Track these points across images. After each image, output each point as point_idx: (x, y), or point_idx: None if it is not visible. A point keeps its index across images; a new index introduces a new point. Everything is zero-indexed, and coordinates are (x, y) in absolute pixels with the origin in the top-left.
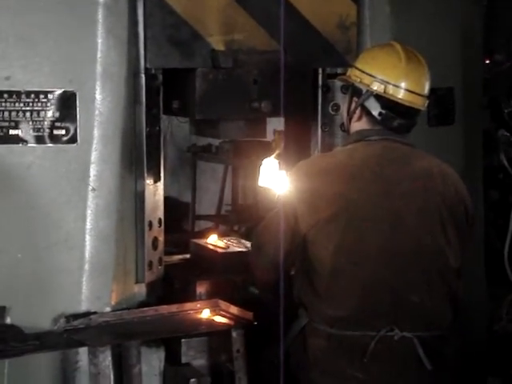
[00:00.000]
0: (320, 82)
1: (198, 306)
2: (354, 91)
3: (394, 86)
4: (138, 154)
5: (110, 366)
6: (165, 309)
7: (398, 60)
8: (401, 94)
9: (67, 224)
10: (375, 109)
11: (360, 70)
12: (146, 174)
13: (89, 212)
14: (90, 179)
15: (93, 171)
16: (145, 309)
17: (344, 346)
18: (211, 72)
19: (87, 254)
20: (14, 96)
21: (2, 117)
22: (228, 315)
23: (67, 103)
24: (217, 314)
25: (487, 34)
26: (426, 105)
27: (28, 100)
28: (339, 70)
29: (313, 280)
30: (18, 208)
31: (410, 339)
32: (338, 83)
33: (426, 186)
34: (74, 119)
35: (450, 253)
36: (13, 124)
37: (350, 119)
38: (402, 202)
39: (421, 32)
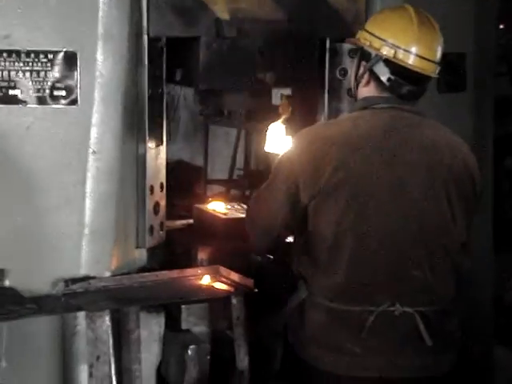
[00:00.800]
0: (327, 45)
1: (199, 272)
2: (362, 55)
3: (405, 50)
4: (140, 116)
5: (109, 331)
6: (165, 274)
7: (409, 23)
8: (411, 60)
9: (67, 187)
10: (384, 74)
11: (370, 32)
12: (147, 138)
13: (89, 175)
14: (91, 142)
15: (93, 134)
16: (145, 274)
17: (343, 321)
18: (215, 41)
19: (87, 218)
20: (14, 55)
21: (1, 77)
22: (228, 282)
23: (68, 63)
24: (217, 281)
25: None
26: (437, 71)
27: (28, 60)
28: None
29: (313, 253)
30: (16, 170)
31: (411, 314)
32: (345, 47)
33: (433, 157)
34: (74, 80)
35: (455, 228)
36: (12, 84)
37: (357, 84)
38: (406, 174)
39: None
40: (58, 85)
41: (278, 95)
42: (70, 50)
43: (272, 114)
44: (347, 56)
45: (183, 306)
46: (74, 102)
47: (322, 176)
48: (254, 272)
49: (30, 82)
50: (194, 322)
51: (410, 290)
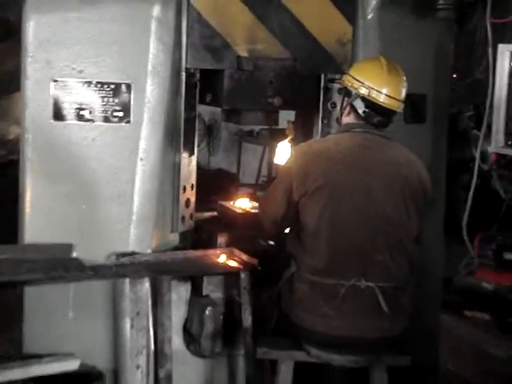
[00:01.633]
0: (322, 85)
1: (218, 252)
2: (346, 93)
3: (377, 91)
4: (177, 133)
5: (148, 294)
6: (192, 253)
7: (381, 71)
8: (381, 98)
9: (120, 185)
10: (360, 108)
11: (352, 76)
12: (182, 149)
13: (137, 176)
14: (139, 151)
15: (141, 145)
16: (177, 252)
17: (321, 290)
18: (236, 73)
19: (134, 209)
20: (86, 85)
21: (76, 101)
22: (239, 260)
23: (125, 92)
24: (231, 259)
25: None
26: (401, 108)
27: (95, 89)
28: (337, 76)
29: (301, 238)
30: (84, 170)
31: (372, 288)
32: (335, 86)
33: (394, 170)
34: (128, 105)
35: (409, 224)
36: (83, 106)
37: (341, 114)
38: (373, 181)
39: (402, 50)
40: (117, 108)
41: (285, 122)
42: (127, 82)
43: (282, 135)
44: (336, 93)
45: (204, 277)
46: (128, 121)
47: (309, 180)
48: (259, 253)
49: (97, 106)
50: (212, 289)
51: (373, 269)
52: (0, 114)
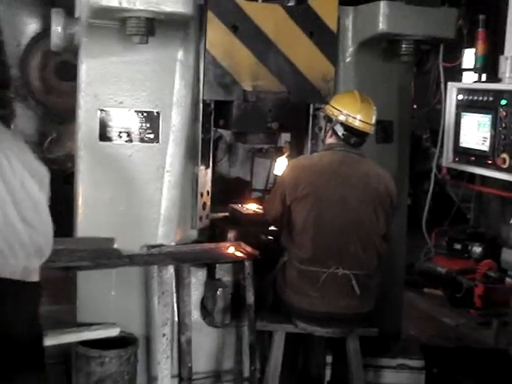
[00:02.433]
0: (311, 112)
1: (227, 245)
2: (328, 119)
3: (353, 117)
4: (196, 151)
5: (172, 277)
6: (207, 245)
7: (355, 101)
8: (357, 123)
9: (151, 191)
10: (340, 131)
11: (332, 106)
12: (200, 163)
13: (164, 185)
14: (166, 165)
15: (168, 160)
16: (195, 244)
17: (307, 276)
18: (243, 103)
19: (162, 211)
20: (125, 113)
21: (117, 125)
22: (244, 251)
23: (155, 119)
24: (238, 251)
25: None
26: (372, 130)
27: (133, 116)
28: (322, 106)
29: (291, 234)
30: (123, 179)
31: (348, 275)
32: (321, 114)
33: (366, 182)
34: (158, 128)
35: (378, 224)
36: (123, 130)
37: (325, 136)
38: (349, 191)
39: (374, 86)
40: (149, 131)
41: (283, 141)
42: (157, 110)
43: (280, 153)
44: (322, 119)
45: (217, 264)
46: (157, 141)
47: (298, 188)
48: (260, 246)
49: (133, 129)
50: (222, 274)
51: (348, 260)
52: (68, 136)
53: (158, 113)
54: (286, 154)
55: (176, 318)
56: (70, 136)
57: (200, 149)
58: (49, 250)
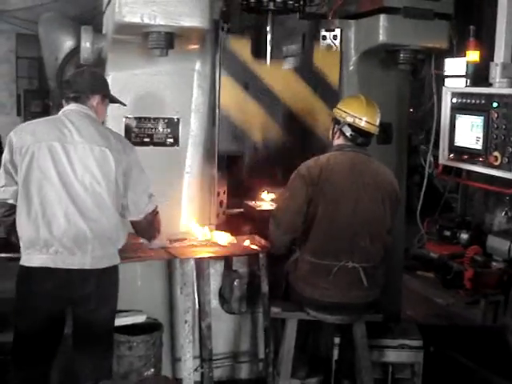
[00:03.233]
0: None
1: (243, 238)
2: (336, 121)
3: (359, 119)
4: (213, 154)
5: (193, 269)
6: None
7: (361, 104)
8: (363, 124)
9: (174, 191)
10: (347, 132)
11: (340, 109)
12: (216, 165)
13: (184, 185)
14: (186, 167)
15: (187, 162)
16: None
17: (319, 269)
18: (254, 155)
19: (182, 207)
20: (148, 120)
21: (142, 132)
22: (259, 244)
23: (175, 124)
24: (253, 244)
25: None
26: (377, 131)
27: (155, 122)
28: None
29: (305, 229)
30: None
31: (357, 268)
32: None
33: (376, 180)
34: (177, 133)
35: (385, 219)
36: (145, 135)
37: (333, 138)
38: (362, 189)
39: (375, 91)
40: (170, 135)
41: None
42: (177, 117)
43: None
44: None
45: (234, 257)
46: (177, 145)
47: (319, 183)
48: None
49: (156, 134)
50: (239, 265)
51: (358, 253)
52: None
53: (178, 119)
54: None
55: (197, 306)
56: None
57: (216, 152)
58: None
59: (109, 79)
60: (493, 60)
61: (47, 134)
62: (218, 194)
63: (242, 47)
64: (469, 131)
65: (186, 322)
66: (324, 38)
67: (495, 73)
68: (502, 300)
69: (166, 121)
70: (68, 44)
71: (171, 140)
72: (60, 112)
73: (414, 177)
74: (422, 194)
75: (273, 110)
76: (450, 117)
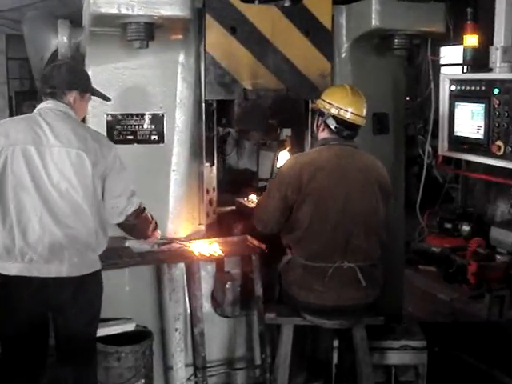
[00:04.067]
0: (310, 108)
1: (235, 239)
2: (320, 113)
3: (344, 110)
4: (200, 149)
5: (183, 273)
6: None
7: (346, 94)
8: (348, 115)
9: (159, 189)
10: (332, 124)
11: (324, 100)
12: (204, 161)
13: (171, 183)
14: (172, 164)
15: (174, 159)
16: (204, 240)
17: (312, 271)
18: (243, 101)
19: (170, 207)
20: (130, 116)
21: (125, 129)
22: (251, 245)
23: (159, 120)
24: (245, 245)
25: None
26: (364, 122)
27: (137, 118)
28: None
29: (294, 232)
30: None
31: (353, 267)
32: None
33: (365, 174)
34: (162, 129)
35: (379, 212)
36: (129, 132)
37: (317, 130)
38: (351, 184)
39: (369, 80)
40: (154, 132)
41: (285, 136)
42: (161, 112)
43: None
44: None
45: (225, 258)
46: (162, 141)
47: (301, 186)
48: (266, 239)
49: (139, 131)
50: (231, 267)
51: (353, 252)
52: None
53: (162, 114)
54: (287, 148)
55: (189, 311)
56: None
57: (204, 147)
58: None
59: (89, 74)
60: (491, 44)
61: (22, 137)
62: (208, 191)
63: None
64: (469, 120)
65: (176, 329)
66: None
67: (495, 57)
68: (508, 294)
69: (150, 117)
70: (54, 42)
71: (156, 137)
72: (36, 110)
73: (412, 168)
74: (422, 185)
75: (263, 54)
76: (449, 105)
